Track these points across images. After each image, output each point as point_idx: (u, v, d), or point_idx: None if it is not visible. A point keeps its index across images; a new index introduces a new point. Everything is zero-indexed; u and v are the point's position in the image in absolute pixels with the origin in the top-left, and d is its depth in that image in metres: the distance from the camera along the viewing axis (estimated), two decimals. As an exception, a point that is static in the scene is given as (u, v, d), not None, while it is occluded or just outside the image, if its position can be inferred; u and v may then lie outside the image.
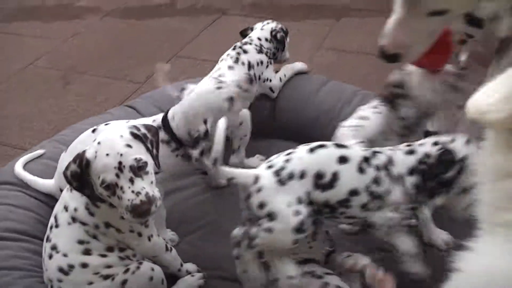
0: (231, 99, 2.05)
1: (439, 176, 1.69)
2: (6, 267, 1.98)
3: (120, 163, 1.60)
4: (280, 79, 2.80)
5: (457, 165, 1.68)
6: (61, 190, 2.02)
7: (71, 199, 1.80)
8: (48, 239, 1.84)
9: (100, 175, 1.60)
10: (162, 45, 4.00)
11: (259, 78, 2.66)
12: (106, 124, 2.08)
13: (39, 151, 2.38)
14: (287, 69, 2.79)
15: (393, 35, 1.62)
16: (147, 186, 1.62)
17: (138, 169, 1.62)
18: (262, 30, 2.75)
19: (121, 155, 1.60)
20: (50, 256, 1.80)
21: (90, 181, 1.64)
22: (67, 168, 1.64)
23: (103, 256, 1.79)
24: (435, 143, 1.74)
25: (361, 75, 3.23)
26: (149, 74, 3.65)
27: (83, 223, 1.76)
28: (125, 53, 4.07)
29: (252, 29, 2.78)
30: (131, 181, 1.60)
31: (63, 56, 4.05)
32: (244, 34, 2.79)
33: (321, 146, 1.72)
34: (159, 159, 1.73)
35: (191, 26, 4.26)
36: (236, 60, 2.57)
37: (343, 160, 1.68)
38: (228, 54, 2.62)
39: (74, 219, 1.77)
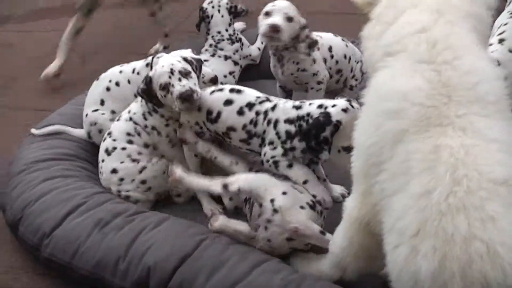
0: None
1: (316, 135, 2.09)
2: (63, 175, 2.61)
3: (171, 69, 2.31)
4: (258, 48, 3.43)
5: (330, 127, 2.07)
6: (89, 135, 2.79)
7: (132, 107, 2.60)
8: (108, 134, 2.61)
9: (158, 80, 2.32)
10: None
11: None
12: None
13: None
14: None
15: None
16: (191, 83, 2.30)
17: (185, 74, 2.31)
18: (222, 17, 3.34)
19: (173, 64, 2.32)
20: (104, 139, 2.57)
21: (153, 92, 2.37)
22: (138, 87, 2.43)
23: (139, 146, 2.49)
24: (320, 106, 2.18)
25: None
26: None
27: (136, 123, 2.53)
28: (128, 37, 4.67)
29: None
30: (179, 80, 2.29)
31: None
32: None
33: (219, 90, 2.41)
34: None
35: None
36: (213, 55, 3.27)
37: (227, 102, 2.34)
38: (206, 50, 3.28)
39: (130, 119, 2.53)
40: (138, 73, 2.71)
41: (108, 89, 2.80)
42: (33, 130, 2.94)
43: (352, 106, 2.11)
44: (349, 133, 1.79)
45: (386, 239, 1.58)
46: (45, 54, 4.34)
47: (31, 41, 4.94)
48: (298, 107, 2.24)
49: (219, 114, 2.35)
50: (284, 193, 2.10)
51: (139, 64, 2.75)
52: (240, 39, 3.34)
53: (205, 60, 3.05)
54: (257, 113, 2.29)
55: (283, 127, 2.22)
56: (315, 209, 2.15)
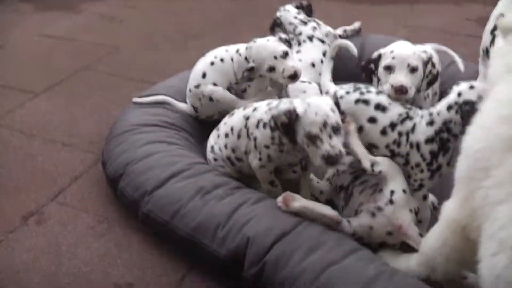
0: None
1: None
2: (166, 142, 2.71)
3: (325, 121, 2.08)
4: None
5: None
6: (193, 107, 2.92)
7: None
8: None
9: (307, 127, 2.09)
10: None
11: None
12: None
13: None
14: None
15: None
16: (340, 144, 2.09)
17: (336, 130, 2.09)
18: (289, 12, 3.45)
19: (327, 116, 2.08)
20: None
21: (294, 130, 2.15)
22: (276, 117, 2.16)
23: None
24: (449, 106, 2.20)
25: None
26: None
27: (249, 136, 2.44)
28: (236, 22, 4.84)
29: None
30: (330, 137, 2.08)
31: (182, 23, 4.82)
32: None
33: (364, 101, 2.32)
34: None
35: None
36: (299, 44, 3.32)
37: (371, 120, 2.31)
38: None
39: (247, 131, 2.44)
40: (240, 54, 2.84)
41: (212, 63, 2.92)
42: (135, 99, 3.05)
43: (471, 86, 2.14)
44: None
45: (484, 245, 1.61)
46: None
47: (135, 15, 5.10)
48: (431, 123, 2.22)
49: (361, 127, 2.30)
50: (404, 190, 2.17)
51: (242, 47, 2.86)
52: (313, 20, 3.40)
53: (297, 52, 3.18)
54: (400, 134, 2.26)
55: (426, 148, 2.23)
56: (417, 215, 2.21)
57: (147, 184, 2.42)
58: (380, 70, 2.37)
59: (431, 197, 2.47)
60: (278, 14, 3.46)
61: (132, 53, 4.33)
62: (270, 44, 2.67)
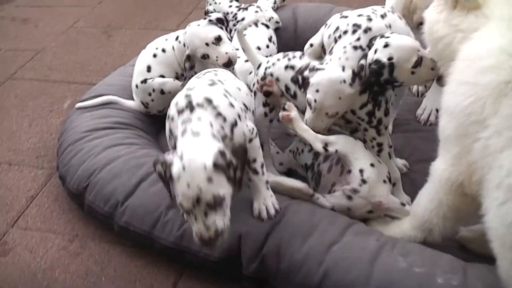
0: None
1: (377, 82, 2.05)
2: (125, 143, 2.57)
3: (198, 197, 1.67)
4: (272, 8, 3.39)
5: (386, 69, 2.03)
6: (143, 103, 2.79)
7: None
8: None
9: (179, 197, 1.71)
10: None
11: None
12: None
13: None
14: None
15: None
16: (219, 219, 1.71)
17: (214, 205, 1.69)
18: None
19: (201, 190, 1.67)
20: None
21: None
22: (156, 162, 1.79)
23: None
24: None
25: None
26: (178, 22, 4.21)
27: None
28: (150, 8, 4.64)
29: None
30: (205, 214, 1.70)
31: (98, 17, 4.61)
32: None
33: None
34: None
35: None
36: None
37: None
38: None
39: None
40: (179, 41, 2.74)
41: (155, 55, 2.81)
42: (78, 104, 2.90)
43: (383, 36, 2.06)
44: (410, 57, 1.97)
45: (489, 196, 1.62)
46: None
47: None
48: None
49: (295, 94, 2.28)
50: (372, 165, 2.11)
51: (181, 33, 2.75)
52: (251, 5, 3.28)
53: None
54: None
55: (361, 113, 2.19)
56: (390, 182, 2.17)
57: (117, 194, 2.29)
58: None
59: (401, 161, 2.46)
60: (209, 7, 3.36)
61: (55, 55, 4.09)
62: (200, 30, 2.58)
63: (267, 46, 3.03)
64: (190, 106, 1.85)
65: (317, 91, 2.03)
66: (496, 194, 1.58)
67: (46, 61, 4.00)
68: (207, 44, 2.54)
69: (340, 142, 2.14)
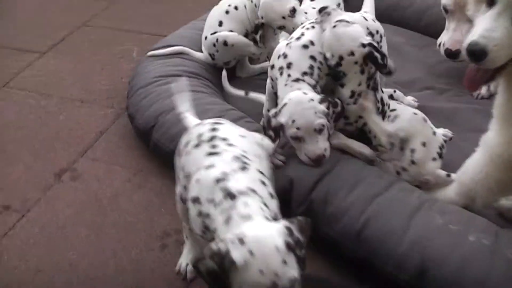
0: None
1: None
2: (192, 90, 2.74)
3: (274, 284, 1.43)
4: None
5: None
6: (210, 55, 2.98)
7: None
8: None
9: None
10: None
11: None
12: None
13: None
14: None
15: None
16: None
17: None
18: None
19: (277, 275, 1.43)
20: None
21: (229, 283, 1.47)
22: (200, 261, 1.50)
23: None
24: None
25: None
26: None
27: None
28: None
29: None
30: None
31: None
32: None
33: None
34: None
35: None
36: None
37: None
38: None
39: None
40: (251, 1, 2.92)
41: (227, 12, 3.00)
42: (150, 52, 3.07)
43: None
44: None
45: None
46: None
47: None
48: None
49: None
50: (423, 144, 2.23)
51: None
52: None
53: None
54: None
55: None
56: (441, 156, 2.28)
57: (182, 135, 2.45)
58: (288, 137, 2.19)
59: (443, 131, 2.52)
60: None
61: (129, 7, 4.30)
62: (276, 4, 2.72)
63: None
64: (231, 196, 1.61)
65: None
66: None
67: (119, 12, 4.22)
68: (283, 18, 2.71)
69: (405, 125, 2.26)
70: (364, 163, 2.24)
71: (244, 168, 1.71)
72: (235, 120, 2.45)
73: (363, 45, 2.14)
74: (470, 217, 2.00)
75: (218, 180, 1.66)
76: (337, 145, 2.27)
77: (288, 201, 2.18)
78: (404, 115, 2.30)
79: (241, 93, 2.62)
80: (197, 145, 1.85)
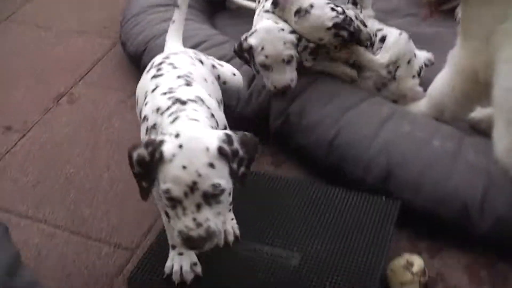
0: None
1: None
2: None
3: (194, 183, 1.37)
4: None
5: None
6: None
7: None
8: None
9: (168, 183, 1.39)
10: None
11: None
12: None
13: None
14: None
15: None
16: (212, 217, 1.41)
17: (211, 197, 1.40)
18: None
19: (200, 175, 1.37)
20: None
21: (155, 175, 1.42)
22: (134, 148, 1.44)
23: None
24: None
25: None
26: None
27: None
28: None
29: None
30: (198, 207, 1.39)
31: None
32: None
33: None
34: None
35: None
36: None
37: None
38: None
39: None
40: None
41: None
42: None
43: None
44: None
45: (499, 70, 1.86)
46: None
47: None
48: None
49: None
50: (408, 61, 2.36)
51: None
52: None
53: None
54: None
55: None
56: (420, 76, 2.42)
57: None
58: (257, 64, 2.23)
59: (427, 54, 2.62)
60: None
61: None
62: None
63: None
64: (181, 101, 1.58)
65: None
66: (504, 67, 1.82)
67: None
68: None
69: (393, 48, 2.37)
70: (339, 81, 2.36)
71: (188, 84, 1.68)
72: (220, 43, 2.58)
73: (328, 29, 2.21)
74: (437, 125, 2.14)
75: (165, 93, 1.63)
76: (320, 70, 2.39)
77: (266, 116, 2.33)
78: (391, 36, 2.41)
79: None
80: (148, 71, 1.85)
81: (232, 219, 1.85)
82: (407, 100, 2.38)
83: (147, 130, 1.62)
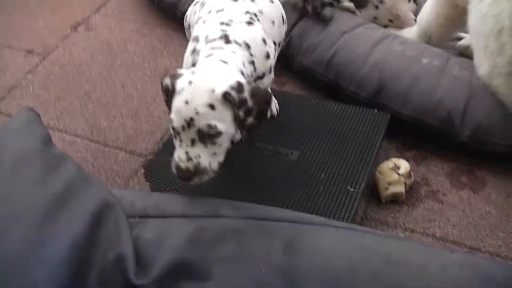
0: None
1: None
2: None
3: (191, 119, 1.43)
4: None
5: None
6: None
7: None
8: None
9: (173, 112, 1.47)
10: None
11: None
12: None
13: None
14: None
15: None
16: (204, 155, 1.47)
17: (207, 137, 1.45)
18: None
19: (197, 113, 1.43)
20: None
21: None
22: (165, 77, 1.55)
23: None
24: None
25: None
26: None
27: None
28: None
29: None
30: (192, 142, 1.46)
31: None
32: None
33: None
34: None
35: None
36: None
37: None
38: None
39: None
40: None
41: None
42: None
43: None
44: None
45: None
46: None
47: None
48: None
49: None
50: None
51: None
52: None
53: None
54: None
55: None
56: (416, 2, 2.60)
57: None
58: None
59: None
60: None
61: None
62: None
63: None
64: (226, 39, 1.63)
65: None
66: None
67: None
68: None
69: None
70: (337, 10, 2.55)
71: (250, 23, 1.71)
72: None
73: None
74: (426, 47, 2.32)
75: (222, 23, 1.67)
76: None
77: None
78: None
79: None
80: None
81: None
82: (398, 22, 2.58)
83: (193, 51, 1.69)
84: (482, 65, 2.05)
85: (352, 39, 2.36)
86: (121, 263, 1.31)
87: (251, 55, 1.64)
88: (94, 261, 1.30)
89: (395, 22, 2.58)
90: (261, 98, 1.50)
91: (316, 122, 2.14)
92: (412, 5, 2.59)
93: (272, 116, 2.06)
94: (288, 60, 2.48)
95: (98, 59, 2.76)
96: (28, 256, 1.24)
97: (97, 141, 2.33)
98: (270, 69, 1.75)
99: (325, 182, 1.87)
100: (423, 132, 2.15)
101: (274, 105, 2.10)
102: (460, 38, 2.48)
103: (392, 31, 2.54)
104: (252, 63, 1.64)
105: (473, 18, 2.03)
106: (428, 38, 2.40)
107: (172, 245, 1.38)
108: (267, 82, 1.79)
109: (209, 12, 1.76)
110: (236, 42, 1.62)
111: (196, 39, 1.68)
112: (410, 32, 2.49)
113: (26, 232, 1.29)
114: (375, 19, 2.60)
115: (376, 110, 2.17)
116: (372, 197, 2.00)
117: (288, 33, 2.46)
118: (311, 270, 1.29)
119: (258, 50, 1.67)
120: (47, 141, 1.61)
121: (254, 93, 1.47)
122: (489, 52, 1.97)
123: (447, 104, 2.08)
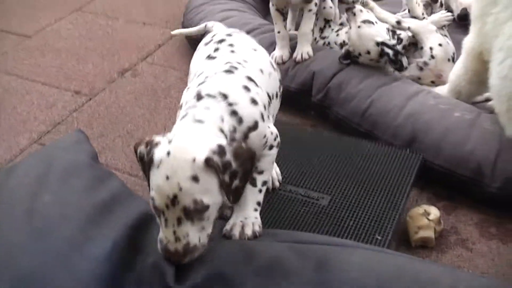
0: None
1: None
2: (239, 10, 3.20)
3: (175, 197, 1.32)
4: None
5: None
6: None
7: None
8: None
9: (153, 191, 1.37)
10: None
11: None
12: None
13: None
14: None
15: None
16: (193, 233, 1.36)
17: (194, 212, 1.34)
18: None
19: (181, 188, 1.31)
20: None
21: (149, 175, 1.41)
22: (139, 143, 1.45)
23: None
24: None
25: None
26: None
27: None
28: None
29: None
30: (179, 221, 1.34)
31: None
32: None
33: None
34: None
35: None
36: None
37: None
38: None
39: None
40: None
41: None
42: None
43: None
44: None
45: (494, 58, 2.08)
46: None
47: None
48: None
49: None
50: (440, 44, 2.69)
51: None
52: None
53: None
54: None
55: None
56: (454, 61, 2.71)
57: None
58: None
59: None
60: None
61: None
62: None
63: None
64: (198, 96, 1.49)
65: None
66: (498, 55, 2.05)
67: None
68: None
69: (413, 22, 2.75)
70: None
71: (229, 71, 1.57)
72: (270, 31, 2.91)
73: (377, 44, 2.53)
74: (458, 102, 2.41)
75: (199, 84, 1.55)
76: None
77: (309, 90, 2.63)
78: (410, 20, 2.82)
79: None
80: (206, 43, 1.80)
81: (256, 218, 1.63)
82: (440, 83, 2.68)
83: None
84: (508, 125, 2.10)
85: (388, 91, 2.46)
86: (160, 268, 1.37)
87: (230, 104, 1.47)
88: (133, 263, 1.37)
89: (437, 82, 2.68)
90: (246, 158, 1.38)
91: (348, 161, 2.21)
92: (451, 64, 2.69)
93: (274, 188, 2.01)
94: (325, 110, 2.59)
95: (142, 101, 2.89)
96: (73, 252, 1.32)
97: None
98: (262, 116, 1.54)
99: (353, 231, 1.90)
100: (453, 183, 2.20)
101: (276, 174, 2.06)
102: (490, 99, 2.55)
103: (426, 87, 2.62)
104: (235, 113, 1.47)
105: (494, 79, 2.09)
106: (458, 94, 2.48)
107: (211, 257, 1.43)
108: (268, 135, 1.61)
109: (192, 79, 1.70)
110: (209, 95, 1.47)
111: (180, 107, 1.56)
112: (442, 89, 2.57)
113: (73, 231, 1.37)
114: (418, 80, 2.71)
115: (408, 150, 2.25)
116: (402, 241, 2.03)
117: (326, 84, 2.57)
118: (342, 287, 1.33)
119: (239, 96, 1.50)
120: (95, 157, 1.71)
121: (237, 153, 1.37)
122: (512, 114, 2.03)
123: (478, 156, 2.14)
